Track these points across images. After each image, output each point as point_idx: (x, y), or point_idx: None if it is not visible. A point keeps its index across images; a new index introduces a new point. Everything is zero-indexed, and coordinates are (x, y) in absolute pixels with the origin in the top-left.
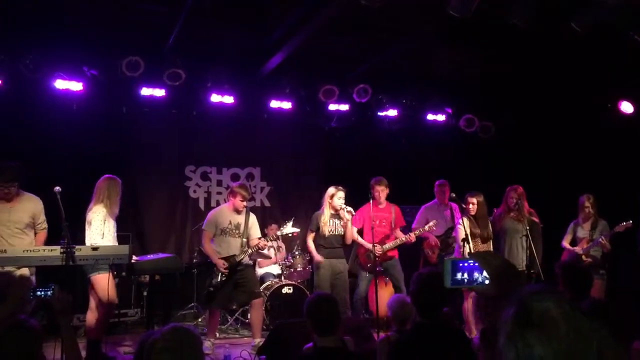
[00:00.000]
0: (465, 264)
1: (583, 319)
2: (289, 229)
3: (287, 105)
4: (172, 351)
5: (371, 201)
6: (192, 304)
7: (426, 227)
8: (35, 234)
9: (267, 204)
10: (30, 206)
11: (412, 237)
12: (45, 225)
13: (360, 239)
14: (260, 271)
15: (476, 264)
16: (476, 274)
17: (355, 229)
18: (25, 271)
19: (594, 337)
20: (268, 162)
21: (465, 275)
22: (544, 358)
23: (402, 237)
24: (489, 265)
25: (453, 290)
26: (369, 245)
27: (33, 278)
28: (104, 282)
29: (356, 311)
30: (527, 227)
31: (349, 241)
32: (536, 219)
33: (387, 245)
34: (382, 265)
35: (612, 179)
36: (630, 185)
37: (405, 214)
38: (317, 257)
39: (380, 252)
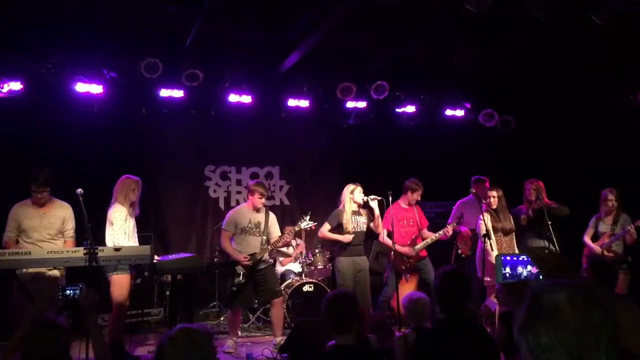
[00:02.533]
0: (509, 259)
1: (596, 310)
2: (307, 222)
3: (304, 103)
4: (181, 352)
5: (390, 201)
6: (214, 302)
7: (455, 224)
8: (65, 241)
9: (286, 202)
10: (62, 213)
11: (450, 230)
12: (73, 233)
13: (390, 242)
14: (280, 269)
15: (523, 259)
16: (520, 269)
17: (385, 232)
18: (55, 272)
19: (605, 328)
20: (287, 160)
21: (508, 270)
22: (551, 348)
23: (432, 235)
24: (541, 262)
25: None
26: (404, 249)
27: (64, 280)
28: (121, 282)
29: (381, 310)
30: (549, 222)
31: (378, 229)
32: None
33: (419, 246)
34: (415, 265)
35: (633, 172)
36: None
37: (425, 211)
38: (345, 237)
39: (413, 254)
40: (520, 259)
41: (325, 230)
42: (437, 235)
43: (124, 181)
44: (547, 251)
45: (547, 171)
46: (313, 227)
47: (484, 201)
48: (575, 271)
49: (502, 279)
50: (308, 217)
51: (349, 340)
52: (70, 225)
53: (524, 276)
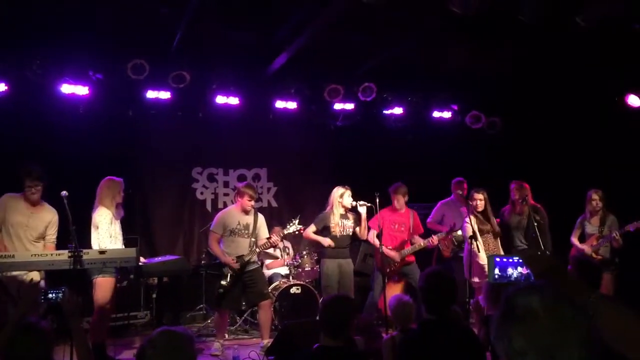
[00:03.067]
0: (500, 260)
1: (567, 310)
2: (295, 226)
3: (292, 105)
4: (161, 355)
5: (377, 203)
6: (201, 305)
7: (443, 233)
8: (44, 246)
9: (274, 204)
10: (48, 217)
11: (435, 240)
12: (54, 239)
13: (378, 243)
14: (268, 272)
15: (513, 260)
16: (510, 270)
17: (374, 232)
18: (35, 275)
19: (576, 328)
20: (274, 162)
21: (497, 271)
22: (525, 351)
23: (421, 242)
24: (534, 264)
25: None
26: (390, 253)
27: (42, 282)
28: (105, 285)
29: (368, 312)
30: (535, 223)
31: (363, 235)
32: (542, 213)
33: (406, 251)
34: (401, 270)
35: (619, 174)
36: (637, 179)
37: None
38: (325, 241)
39: (399, 259)
40: (511, 260)
41: (309, 231)
42: (424, 242)
43: (109, 183)
44: (539, 253)
45: (533, 173)
46: (302, 231)
47: (470, 203)
48: (567, 274)
49: (492, 280)
50: (297, 221)
51: (337, 342)
52: (53, 230)
53: (514, 277)
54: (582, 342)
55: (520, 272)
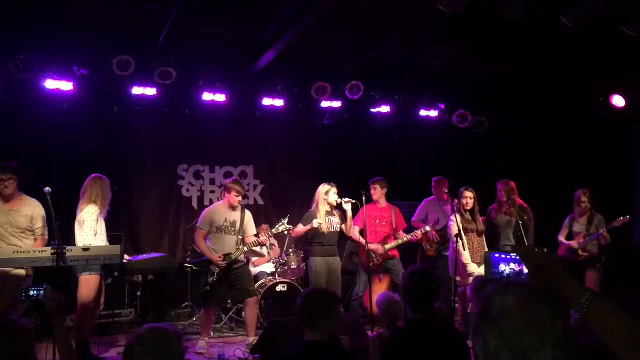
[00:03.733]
0: (498, 256)
1: (543, 308)
2: (285, 226)
3: (279, 102)
4: (149, 351)
5: (363, 200)
6: (187, 303)
7: (427, 228)
8: (35, 240)
9: (260, 202)
10: (30, 210)
11: (419, 234)
12: (43, 232)
13: (362, 240)
14: (255, 270)
15: (508, 257)
16: (502, 266)
17: (357, 229)
18: (21, 272)
19: (551, 327)
20: (261, 160)
21: (491, 268)
22: (498, 350)
23: (404, 237)
24: (529, 260)
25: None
26: (372, 246)
27: (30, 280)
28: (90, 282)
29: (353, 310)
30: (520, 222)
31: (349, 232)
32: (529, 213)
33: (389, 245)
34: (383, 265)
35: (605, 173)
36: (621, 178)
37: (400, 210)
38: (313, 223)
39: (382, 252)
40: (506, 256)
41: (297, 229)
42: (407, 237)
43: (98, 181)
44: (537, 249)
45: (520, 172)
46: (291, 231)
47: (460, 201)
48: (565, 270)
49: (490, 276)
50: (286, 221)
51: (320, 337)
52: (40, 224)
53: (507, 274)
54: (557, 342)
55: (512, 269)
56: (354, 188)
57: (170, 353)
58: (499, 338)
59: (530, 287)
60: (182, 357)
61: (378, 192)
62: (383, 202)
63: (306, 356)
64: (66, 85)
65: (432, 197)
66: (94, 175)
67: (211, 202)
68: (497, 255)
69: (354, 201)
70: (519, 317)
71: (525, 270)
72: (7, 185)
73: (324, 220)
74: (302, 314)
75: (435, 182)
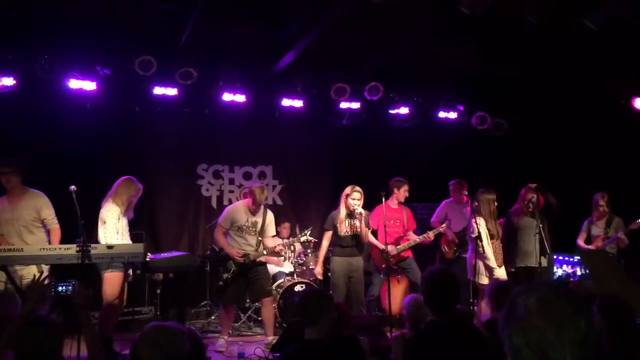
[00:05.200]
0: (561, 259)
1: (565, 307)
2: (307, 237)
3: (298, 103)
4: (153, 349)
5: (383, 201)
6: (205, 301)
7: (440, 229)
8: (49, 230)
9: (279, 202)
10: (32, 202)
11: (431, 235)
12: (54, 221)
13: (374, 240)
14: (273, 269)
15: (561, 259)
16: (554, 267)
17: (369, 230)
18: (44, 268)
19: (571, 326)
20: (280, 160)
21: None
22: (520, 347)
23: (416, 238)
24: (591, 264)
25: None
26: (383, 247)
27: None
28: (114, 279)
29: (369, 310)
30: (540, 225)
31: (365, 239)
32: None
33: (401, 246)
34: (398, 266)
35: (625, 176)
36: None
37: (417, 212)
38: (317, 268)
39: (394, 253)
40: (561, 258)
41: (324, 241)
42: (419, 238)
43: (125, 182)
44: (599, 253)
45: (539, 174)
46: (312, 243)
47: (475, 203)
48: (623, 274)
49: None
50: (309, 232)
51: (318, 334)
52: (48, 212)
53: (559, 275)
54: (578, 341)
55: (565, 270)
56: (371, 189)
57: (173, 351)
58: (520, 335)
59: (554, 286)
60: (187, 357)
61: (401, 197)
62: (396, 203)
63: (305, 354)
64: (89, 85)
65: (451, 199)
66: (130, 177)
67: (230, 202)
68: (559, 258)
69: (364, 213)
70: (540, 315)
71: (579, 272)
72: (6, 180)
73: (344, 222)
74: (300, 313)
75: (454, 185)
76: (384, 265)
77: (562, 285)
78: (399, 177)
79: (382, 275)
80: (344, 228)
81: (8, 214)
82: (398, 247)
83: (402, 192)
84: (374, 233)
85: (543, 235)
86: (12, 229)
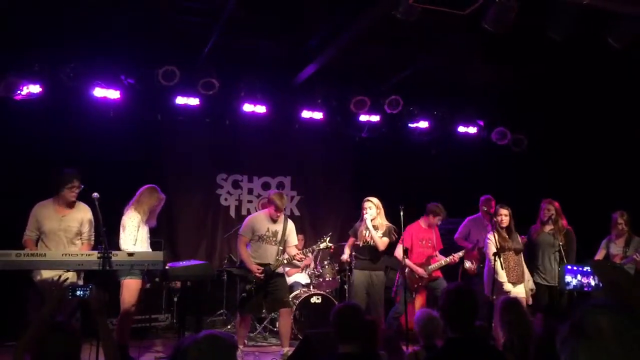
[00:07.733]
0: (568, 268)
1: (634, 335)
2: (326, 243)
3: (318, 115)
4: (205, 357)
5: (401, 216)
6: (222, 310)
7: (460, 254)
8: (82, 243)
9: (297, 213)
10: (80, 215)
11: (456, 257)
12: (89, 236)
13: (408, 262)
14: (289, 280)
15: (576, 269)
16: (568, 277)
17: (400, 247)
18: (71, 275)
19: None
20: (298, 171)
21: (574, 280)
22: None
23: (444, 259)
24: (602, 275)
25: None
26: (418, 269)
27: (80, 282)
28: (132, 286)
29: (390, 326)
30: (561, 243)
31: (381, 248)
32: (571, 236)
33: (432, 267)
34: (428, 286)
35: None
36: None
37: (440, 227)
38: (345, 255)
39: (426, 275)
40: (577, 269)
41: (348, 243)
42: (447, 260)
43: (148, 190)
44: (609, 264)
45: (558, 191)
46: (332, 250)
47: (494, 219)
48: (636, 286)
49: (565, 287)
50: (328, 239)
51: (353, 349)
52: (87, 227)
53: (573, 285)
54: None
55: (580, 281)
56: (389, 203)
57: None
58: (587, 353)
59: (622, 311)
60: None
61: (432, 223)
62: (426, 225)
63: None
64: (113, 94)
65: (476, 215)
66: (153, 186)
67: (248, 212)
68: (569, 267)
69: (373, 229)
70: (613, 338)
71: (592, 283)
72: (76, 193)
73: (364, 233)
74: (335, 327)
75: (485, 200)
76: (416, 286)
77: (629, 311)
78: (439, 204)
79: (413, 295)
80: (360, 238)
81: (55, 223)
82: (429, 267)
83: (435, 221)
84: (406, 251)
85: (563, 254)
86: (59, 240)
